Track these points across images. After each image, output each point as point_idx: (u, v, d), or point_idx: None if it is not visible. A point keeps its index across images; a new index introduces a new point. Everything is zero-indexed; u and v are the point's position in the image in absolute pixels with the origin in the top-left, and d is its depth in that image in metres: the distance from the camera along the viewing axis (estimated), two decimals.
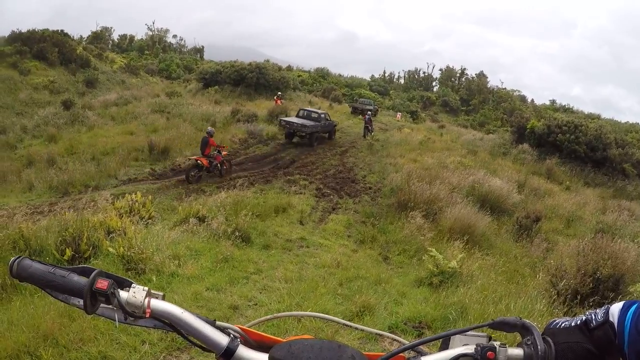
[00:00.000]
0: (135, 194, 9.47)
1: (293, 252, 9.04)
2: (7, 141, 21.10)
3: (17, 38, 38.26)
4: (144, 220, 8.89)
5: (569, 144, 26.18)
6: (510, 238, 12.41)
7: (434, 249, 8.49)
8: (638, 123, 50.39)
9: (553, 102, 71.78)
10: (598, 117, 53.93)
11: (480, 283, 7.56)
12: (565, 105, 68.46)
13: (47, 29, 42.61)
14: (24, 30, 40.17)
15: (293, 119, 24.74)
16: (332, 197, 14.70)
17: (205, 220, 9.42)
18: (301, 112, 26.56)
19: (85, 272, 1.08)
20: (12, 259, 1.08)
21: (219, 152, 16.94)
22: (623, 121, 54.39)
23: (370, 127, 30.24)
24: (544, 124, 28.15)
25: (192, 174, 15.92)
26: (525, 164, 25.08)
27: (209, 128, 17.79)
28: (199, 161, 15.99)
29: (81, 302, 1.05)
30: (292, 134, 24.12)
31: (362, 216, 12.75)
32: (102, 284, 1.04)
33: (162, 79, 59.68)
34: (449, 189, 14.36)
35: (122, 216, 8.37)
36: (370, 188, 16.62)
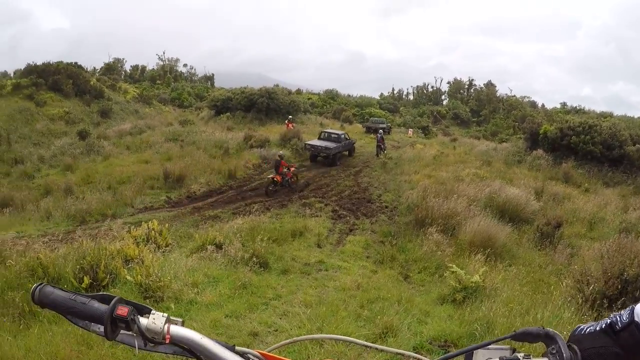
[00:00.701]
0: (152, 222, 9.48)
1: (312, 275, 8.96)
2: (25, 171, 21.39)
3: (32, 71, 38.93)
4: (161, 248, 8.90)
5: (584, 145, 25.82)
6: (532, 247, 12.18)
7: (454, 265, 8.37)
8: None
9: (564, 104, 71.20)
10: (610, 115, 53.38)
11: (505, 296, 7.42)
12: (576, 107, 67.82)
13: (62, 62, 43.30)
14: (39, 63, 41.03)
15: (316, 142, 26.31)
16: (348, 218, 14.61)
17: (222, 246, 9.39)
18: (322, 134, 28.17)
19: (105, 300, 1.10)
20: (34, 285, 1.11)
21: (289, 169, 19.53)
22: (636, 116, 53.85)
23: (382, 146, 30.18)
24: (556, 127, 27.86)
25: (270, 188, 18.41)
26: (541, 170, 24.79)
27: (280, 152, 21.21)
28: (274, 178, 18.60)
29: (102, 328, 1.09)
30: (316, 156, 25.53)
31: (379, 236, 12.63)
32: (123, 310, 1.07)
33: (174, 107, 60.23)
34: (466, 202, 14.16)
35: (139, 244, 8.38)
36: (386, 207, 16.51)
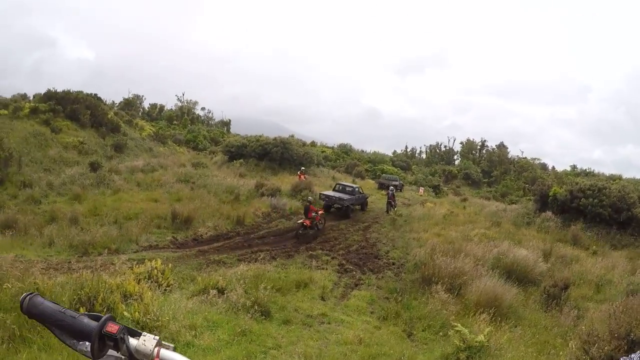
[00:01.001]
0: (155, 260, 9.50)
1: (314, 327, 8.92)
2: (32, 195, 21.09)
3: (52, 96, 38.99)
4: (162, 287, 8.89)
5: (593, 207, 25.69)
6: (538, 308, 12.06)
7: (459, 324, 8.33)
8: None
9: (574, 167, 71.14)
10: (620, 177, 53.15)
11: (509, 356, 7.38)
12: (586, 170, 67.75)
13: (82, 92, 43.59)
14: (59, 89, 41.12)
15: (331, 193, 27.44)
16: (354, 272, 14.56)
17: (225, 292, 9.38)
18: (338, 186, 29.53)
19: (96, 318, 1.10)
20: (24, 294, 1.11)
21: (317, 213, 21.01)
22: None
23: (393, 203, 30.27)
24: (566, 189, 27.85)
25: (300, 232, 19.65)
26: (550, 232, 24.63)
27: (309, 197, 23.53)
28: (304, 223, 19.84)
29: (89, 346, 1.06)
30: (329, 206, 26.23)
31: (385, 292, 12.59)
32: (113, 327, 1.05)
33: (189, 149, 60.41)
34: (473, 261, 14.15)
35: (140, 281, 8.37)
36: (393, 263, 16.45)
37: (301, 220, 20.10)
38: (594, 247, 21.84)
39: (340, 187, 29.06)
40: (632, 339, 7.32)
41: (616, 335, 7.43)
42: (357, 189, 29.14)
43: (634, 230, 25.10)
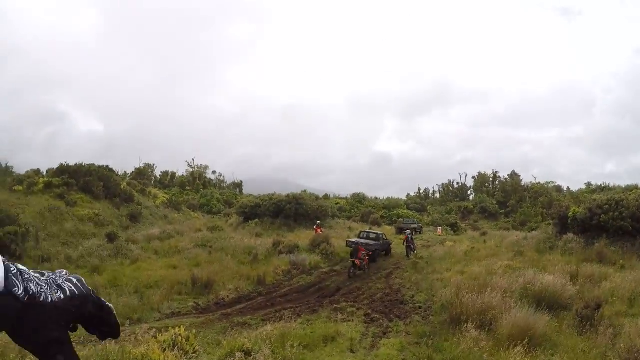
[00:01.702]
0: (179, 327, 9.39)
1: None
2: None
3: (65, 170, 39.32)
4: (187, 354, 8.76)
5: (614, 221, 25.27)
6: (573, 332, 11.73)
7: None
8: None
9: (589, 184, 70.86)
10: (636, 187, 52.65)
11: None
12: (601, 185, 67.47)
13: (94, 164, 43.84)
14: (71, 163, 41.45)
15: (357, 240, 28.63)
16: (381, 321, 14.31)
17: (251, 353, 9.23)
18: (362, 233, 31.58)
19: None
20: None
21: (365, 254, 23.72)
22: None
23: (412, 246, 30.19)
24: (584, 208, 27.55)
25: (352, 271, 22.32)
26: (574, 253, 24.20)
27: (356, 239, 27.69)
28: (355, 262, 22.48)
29: None
30: (355, 253, 25.52)
31: (415, 337, 12.32)
32: None
33: (203, 213, 60.86)
34: (500, 295, 13.86)
35: (165, 350, 8.25)
36: (420, 307, 16.19)
37: (354, 260, 22.60)
38: (621, 261, 21.37)
39: (365, 235, 30.87)
40: None
41: None
42: (381, 235, 30.94)
43: None
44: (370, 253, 24.67)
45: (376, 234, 31.35)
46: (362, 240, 28.33)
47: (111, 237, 26.85)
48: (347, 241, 29.64)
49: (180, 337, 9.16)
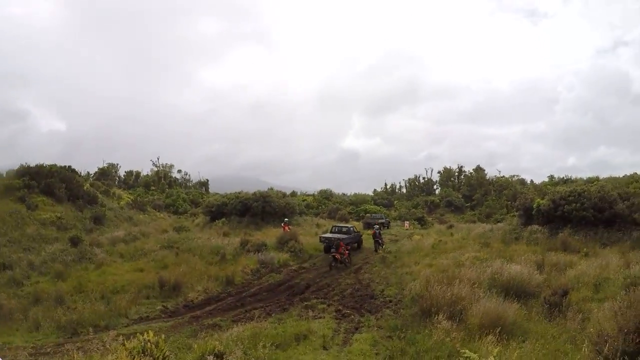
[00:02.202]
0: (148, 333, 9.11)
1: None
2: (13, 277, 19.98)
3: (25, 172, 37.90)
4: None
5: (576, 212, 26.03)
6: (543, 319, 11.88)
7: (467, 350, 8.10)
8: (636, 173, 50.09)
9: (551, 177, 72.01)
10: (597, 179, 53.82)
11: None
12: (563, 177, 68.69)
13: (55, 164, 42.11)
14: (32, 164, 39.94)
15: (330, 235, 29.85)
16: (352, 316, 14.28)
17: (223, 356, 9.02)
18: (334, 228, 32.71)
19: None
20: None
21: (345, 249, 24.85)
22: (621, 175, 54.13)
23: (380, 241, 30.29)
24: (548, 200, 28.13)
25: (333, 264, 23.74)
26: (539, 243, 24.73)
27: (339, 236, 28.30)
28: (335, 256, 23.88)
29: None
30: (329, 247, 27.11)
31: (387, 331, 12.31)
32: None
33: (169, 214, 59.73)
34: (469, 285, 13.98)
35: (134, 357, 7.99)
36: (390, 301, 16.25)
37: (334, 254, 23.98)
38: (585, 249, 21.94)
39: (337, 229, 31.93)
40: None
41: (625, 330, 7.33)
42: (352, 229, 31.98)
43: (620, 225, 25.42)
44: (349, 247, 25.72)
45: (347, 227, 32.37)
46: (335, 235, 29.40)
47: (74, 241, 26.05)
48: (320, 237, 30.47)
49: (149, 343, 8.86)
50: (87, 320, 14.23)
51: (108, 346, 9.52)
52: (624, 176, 52.01)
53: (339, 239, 27.25)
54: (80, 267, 22.01)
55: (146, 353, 8.51)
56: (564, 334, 10.30)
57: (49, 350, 11.99)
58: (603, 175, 59.95)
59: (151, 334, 9.07)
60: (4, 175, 39.17)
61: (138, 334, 9.44)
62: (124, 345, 8.72)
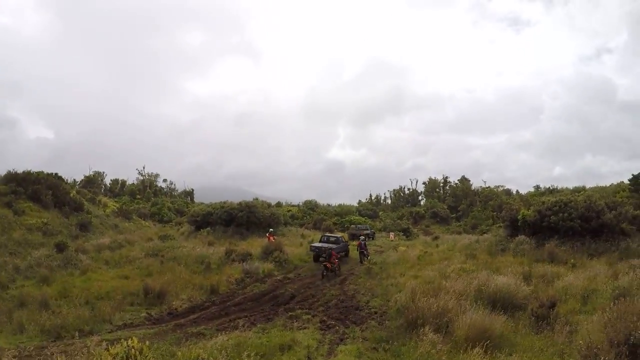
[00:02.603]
0: (132, 339, 8.84)
1: None
2: (0, 281, 20.12)
3: (12, 178, 37.97)
4: None
5: (563, 222, 25.94)
6: (529, 332, 11.73)
7: None
8: (622, 182, 50.39)
9: (537, 187, 72.34)
10: (583, 188, 54.11)
11: None
12: (549, 187, 68.98)
13: (42, 172, 42.27)
14: (19, 171, 39.97)
15: (319, 244, 30.97)
16: (337, 327, 14.06)
17: None
18: (324, 237, 33.63)
19: None
20: None
21: (336, 258, 25.72)
22: (608, 184, 54.40)
23: (365, 252, 30.17)
24: (534, 210, 28.11)
25: (325, 273, 24.13)
26: (526, 254, 24.64)
27: (332, 246, 29.28)
28: (326, 265, 24.48)
29: None
30: (319, 256, 29.00)
31: (371, 343, 12.12)
32: None
33: (154, 222, 59.98)
34: (455, 297, 13.84)
35: None
36: (375, 312, 16.08)
37: (325, 263, 24.74)
38: (572, 260, 21.84)
39: (326, 238, 32.99)
40: (632, 342, 7.09)
41: (615, 342, 7.18)
42: (340, 238, 33.51)
43: (607, 236, 25.35)
44: (339, 256, 26.88)
45: (336, 237, 33.65)
46: (325, 244, 30.56)
47: (60, 247, 25.84)
48: (311, 246, 31.60)
49: (133, 350, 8.58)
50: (71, 325, 14.06)
51: (92, 351, 9.23)
52: (610, 185, 52.30)
53: (329, 248, 28.33)
54: (66, 273, 21.85)
55: (130, 359, 8.27)
56: (551, 347, 10.15)
57: (32, 352, 11.73)
58: (589, 184, 60.29)
59: (135, 340, 8.80)
60: None
61: (122, 340, 9.17)
62: (107, 350, 8.47)
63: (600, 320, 8.92)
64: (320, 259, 28.40)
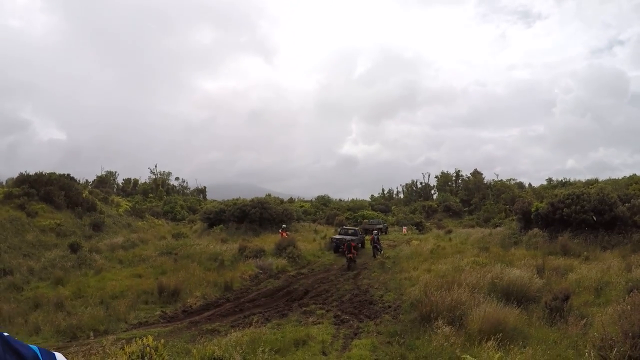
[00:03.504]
0: (147, 337, 8.98)
1: None
2: (13, 282, 19.97)
3: (25, 180, 38.14)
4: None
5: (576, 215, 25.83)
6: (544, 324, 11.75)
7: (468, 355, 8.00)
8: (635, 174, 49.94)
9: (550, 180, 72.04)
10: (596, 181, 53.72)
11: None
12: (562, 180, 68.64)
13: (54, 173, 42.40)
14: (32, 172, 40.19)
15: (339, 237, 33.73)
16: (351, 322, 14.13)
17: None
18: (342, 230, 37.00)
19: None
20: None
21: (356, 248, 27.58)
22: (620, 177, 53.92)
23: (378, 246, 30.19)
24: (546, 203, 28.00)
25: (349, 264, 25.95)
26: (539, 247, 24.60)
27: (353, 237, 31.90)
28: (350, 257, 26.31)
29: None
30: (338, 247, 31.59)
31: (386, 336, 12.18)
32: None
33: (167, 220, 60.26)
34: (469, 290, 13.86)
35: None
36: (389, 307, 16.08)
37: (349, 255, 26.37)
38: (585, 252, 21.78)
39: (344, 231, 36.04)
40: None
41: (630, 334, 7.20)
42: (357, 231, 36.72)
43: (620, 228, 25.19)
44: (359, 246, 29.41)
45: (353, 229, 36.75)
46: (344, 236, 33.15)
47: (74, 248, 26.03)
48: (331, 238, 34.50)
49: (148, 348, 8.73)
50: (86, 325, 14.09)
51: (107, 350, 9.37)
52: (623, 178, 51.87)
53: (349, 239, 29.65)
54: (80, 273, 21.94)
55: (145, 357, 8.39)
56: (565, 339, 10.16)
57: None
58: (602, 177, 59.94)
59: (150, 338, 8.94)
60: (4, 184, 39.22)
61: (137, 338, 9.31)
62: (123, 349, 8.61)
63: (615, 313, 8.93)
64: (340, 250, 30.64)
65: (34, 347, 1.23)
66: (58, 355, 1.27)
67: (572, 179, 67.02)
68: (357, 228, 39.23)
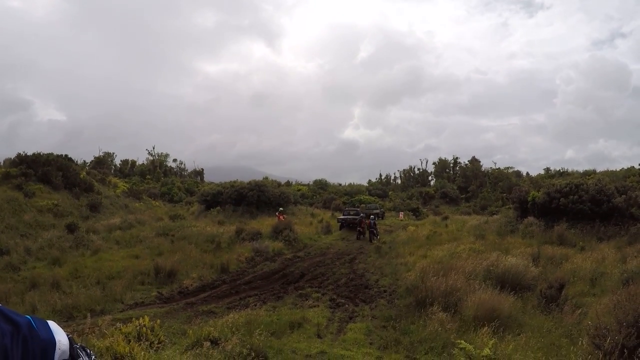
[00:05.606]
0: (143, 318, 9.03)
1: None
2: (10, 262, 20.02)
3: (22, 160, 38.34)
4: (153, 345, 8.44)
5: (573, 205, 25.86)
6: (538, 313, 11.82)
7: (462, 341, 8.06)
8: (633, 167, 50.06)
9: (547, 170, 72.23)
10: (594, 172, 53.92)
11: None
12: (559, 170, 68.78)
13: (52, 153, 42.59)
14: (29, 153, 40.39)
15: (343, 217, 38.05)
16: (347, 306, 14.20)
17: (219, 342, 8.95)
18: (346, 211, 41.30)
19: None
20: None
21: (367, 225, 31.73)
22: (618, 169, 54.03)
23: (375, 231, 30.31)
24: (543, 192, 28.02)
25: (359, 236, 31.60)
26: (535, 236, 24.64)
27: (362, 214, 36.98)
28: (359, 228, 32.02)
29: None
30: (344, 225, 36.65)
31: (381, 321, 12.24)
32: None
33: (164, 202, 60.56)
34: (464, 277, 13.95)
35: (130, 341, 7.93)
36: (385, 291, 16.13)
37: (358, 228, 32.19)
38: (581, 243, 21.83)
39: (347, 212, 39.93)
40: None
41: (624, 323, 7.27)
42: (359, 211, 40.55)
43: (617, 219, 25.23)
44: (369, 222, 31.55)
45: (356, 210, 41.51)
46: (348, 216, 37.63)
47: (71, 228, 26.09)
48: (338, 218, 38.96)
49: (144, 328, 8.78)
50: (82, 305, 14.13)
51: (104, 330, 9.41)
52: (621, 169, 52.01)
53: (352, 218, 35.77)
54: (77, 253, 22.02)
55: (142, 337, 8.45)
56: (560, 328, 10.24)
57: None
58: (600, 168, 60.10)
59: (147, 319, 9.00)
60: (2, 164, 39.24)
61: (134, 318, 9.37)
62: (120, 329, 8.65)
63: (610, 303, 8.99)
64: (350, 226, 35.46)
65: (28, 316, 1.24)
66: (51, 323, 1.28)
67: (570, 169, 67.18)
68: (358, 208, 44.78)
